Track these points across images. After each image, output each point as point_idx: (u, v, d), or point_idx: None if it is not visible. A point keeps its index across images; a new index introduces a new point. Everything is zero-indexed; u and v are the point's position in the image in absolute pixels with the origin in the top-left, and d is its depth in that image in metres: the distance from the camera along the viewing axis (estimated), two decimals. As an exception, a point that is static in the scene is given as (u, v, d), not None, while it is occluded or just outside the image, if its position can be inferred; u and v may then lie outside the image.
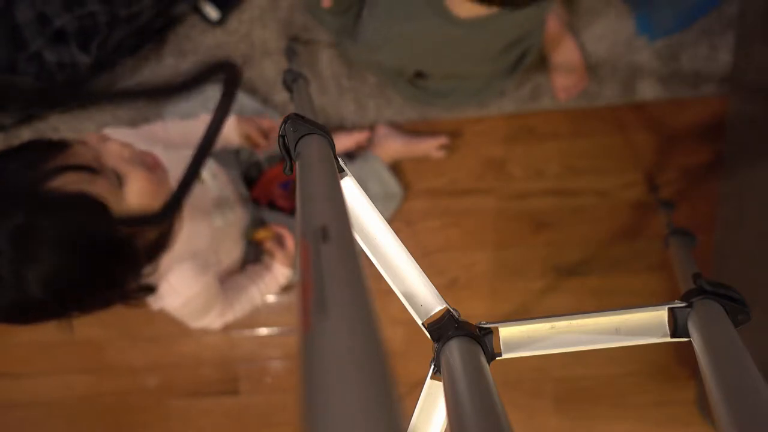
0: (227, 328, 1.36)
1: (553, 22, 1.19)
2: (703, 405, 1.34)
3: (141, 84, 1.22)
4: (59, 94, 1.07)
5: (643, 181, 1.32)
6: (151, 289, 0.83)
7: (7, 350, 1.43)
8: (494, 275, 1.37)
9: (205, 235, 0.93)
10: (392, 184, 1.26)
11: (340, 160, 0.39)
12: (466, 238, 1.36)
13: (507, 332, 0.41)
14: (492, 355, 0.40)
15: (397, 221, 1.33)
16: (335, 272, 0.22)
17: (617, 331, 0.40)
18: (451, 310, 0.40)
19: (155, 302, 0.90)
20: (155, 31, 1.21)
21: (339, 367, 0.17)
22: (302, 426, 0.16)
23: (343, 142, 1.23)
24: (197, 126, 1.04)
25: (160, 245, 0.78)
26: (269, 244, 1.08)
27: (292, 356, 1.41)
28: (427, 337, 0.40)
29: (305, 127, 0.40)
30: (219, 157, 1.11)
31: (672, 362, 1.40)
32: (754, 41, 1.18)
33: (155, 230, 0.76)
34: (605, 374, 1.41)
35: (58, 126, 1.29)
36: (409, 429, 0.39)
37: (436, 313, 0.40)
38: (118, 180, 0.70)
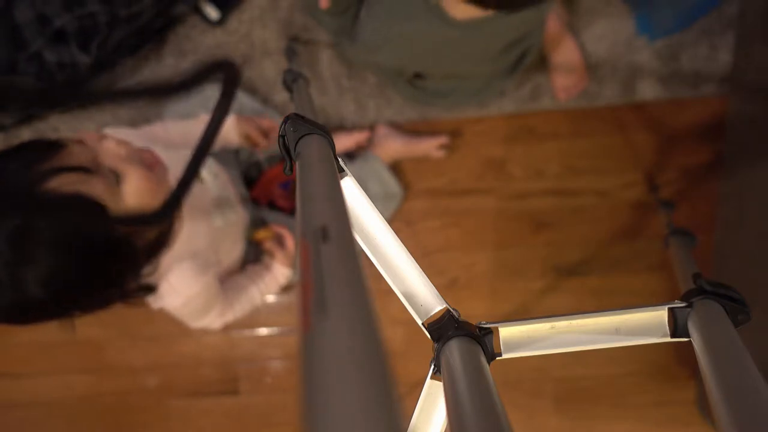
0: (227, 328, 1.37)
1: (553, 22, 1.19)
2: (703, 405, 1.34)
3: (141, 83, 1.22)
4: (59, 94, 1.07)
5: (643, 181, 1.32)
6: (151, 289, 0.83)
7: (7, 350, 1.43)
8: (494, 275, 1.37)
9: (205, 234, 0.93)
10: (392, 184, 1.26)
11: (340, 160, 0.39)
12: (466, 238, 1.36)
13: (507, 332, 0.41)
14: (492, 355, 0.40)
15: (397, 221, 1.33)
16: (335, 272, 0.22)
17: (617, 331, 0.40)
18: (451, 310, 0.40)
19: (155, 302, 0.90)
20: (155, 31, 1.21)
21: (339, 367, 0.17)
22: (302, 426, 0.16)
23: (343, 142, 1.23)
24: (197, 126, 1.04)
25: (159, 244, 0.78)
26: (269, 244, 1.08)
27: (292, 356, 1.41)
28: (427, 337, 0.40)
29: (305, 127, 0.40)
30: (219, 157, 1.11)
31: (672, 362, 1.40)
32: (754, 41, 1.18)
33: (155, 229, 0.76)
34: (605, 374, 1.41)
35: (58, 126, 1.29)
36: (409, 429, 0.39)
37: (436, 313, 0.40)
38: (116, 179, 0.70)
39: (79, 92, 1.08)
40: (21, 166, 0.63)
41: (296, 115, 0.40)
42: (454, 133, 1.30)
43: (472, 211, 1.35)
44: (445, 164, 1.32)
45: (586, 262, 1.36)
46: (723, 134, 1.29)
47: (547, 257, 1.36)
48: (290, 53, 1.13)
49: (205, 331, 1.38)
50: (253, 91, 1.27)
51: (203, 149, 0.58)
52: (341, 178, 0.40)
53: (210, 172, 1.01)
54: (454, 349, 0.37)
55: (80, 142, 0.70)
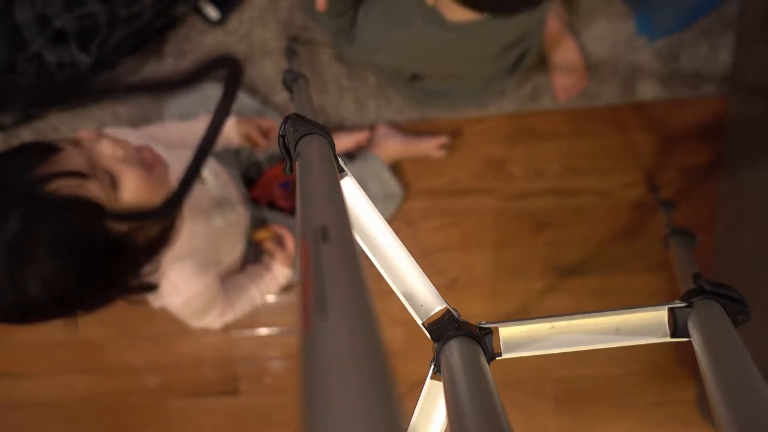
0: (227, 328, 1.37)
1: (553, 22, 1.19)
2: (703, 405, 1.34)
3: (142, 80, 1.22)
4: (59, 92, 1.07)
5: (643, 181, 1.32)
6: (152, 287, 0.82)
7: (7, 350, 1.43)
8: (494, 275, 1.37)
9: (205, 234, 0.93)
10: (392, 184, 1.26)
11: (340, 160, 0.39)
12: (466, 238, 1.36)
13: (507, 332, 0.41)
14: (492, 355, 0.40)
15: (397, 221, 1.33)
16: (335, 272, 0.22)
17: (617, 331, 0.40)
18: (451, 310, 0.40)
19: (156, 300, 0.90)
20: (155, 31, 1.21)
21: (339, 367, 0.17)
22: (302, 426, 0.16)
23: (343, 142, 1.23)
24: (197, 127, 1.04)
25: (160, 243, 0.77)
26: (269, 244, 1.08)
27: (292, 356, 1.41)
28: (427, 337, 0.40)
29: (305, 127, 0.40)
30: (220, 157, 1.11)
31: (672, 362, 1.40)
32: (754, 41, 1.18)
33: (155, 228, 0.76)
34: (605, 374, 1.41)
35: (58, 125, 1.29)
36: (409, 429, 0.39)
37: (436, 313, 0.40)
38: (112, 181, 0.69)
39: (79, 90, 1.08)
40: (18, 168, 0.63)
41: (296, 115, 0.40)
42: (454, 133, 1.30)
43: (472, 211, 1.35)
44: (445, 164, 1.32)
45: (586, 262, 1.36)
46: (723, 134, 1.29)
47: (547, 257, 1.36)
48: (290, 53, 1.13)
49: (205, 331, 1.38)
50: (253, 91, 1.27)
51: (205, 148, 0.58)
52: (341, 178, 0.40)
53: (211, 172, 1.01)
54: (454, 349, 0.37)
55: (77, 143, 0.70)
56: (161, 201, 0.65)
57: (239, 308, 1.04)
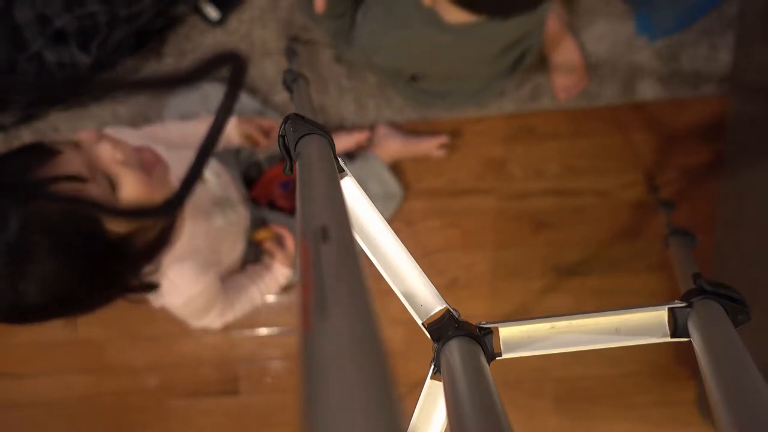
0: (227, 328, 1.37)
1: (553, 22, 1.19)
2: (703, 405, 1.34)
3: (144, 77, 1.22)
4: (60, 92, 1.07)
5: (643, 181, 1.32)
6: (152, 287, 0.82)
7: (7, 350, 1.43)
8: (494, 275, 1.37)
9: (205, 234, 0.93)
10: (392, 184, 1.26)
11: (340, 160, 0.39)
12: (466, 238, 1.36)
13: (507, 332, 0.41)
14: (492, 355, 0.40)
15: (397, 221, 1.33)
16: (335, 272, 0.22)
17: (617, 331, 0.40)
18: (451, 310, 0.40)
19: (156, 300, 0.90)
20: (155, 31, 1.21)
21: (339, 367, 0.17)
22: (302, 426, 0.16)
23: (343, 142, 1.23)
24: (197, 127, 1.05)
25: (161, 244, 0.77)
26: (269, 245, 1.08)
27: (292, 356, 1.41)
28: (427, 337, 0.40)
29: (305, 127, 0.40)
30: (220, 157, 1.11)
31: (672, 362, 1.40)
32: (754, 41, 1.18)
33: (155, 229, 0.76)
34: (605, 374, 1.41)
35: (58, 125, 1.29)
36: (409, 429, 0.39)
37: (436, 313, 0.40)
38: (111, 185, 0.69)
39: (79, 90, 1.07)
40: (18, 170, 0.63)
41: (296, 115, 0.40)
42: (454, 133, 1.30)
43: (472, 211, 1.35)
44: (445, 164, 1.32)
45: (586, 262, 1.36)
46: (723, 134, 1.29)
47: (547, 257, 1.36)
48: (290, 53, 1.13)
49: (205, 331, 1.38)
50: (253, 91, 1.27)
51: (207, 148, 0.57)
52: (341, 178, 0.40)
53: (212, 172, 1.01)
54: (454, 349, 0.37)
55: (77, 145, 0.69)
56: (162, 201, 0.65)
57: (239, 308, 1.04)
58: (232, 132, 1.06)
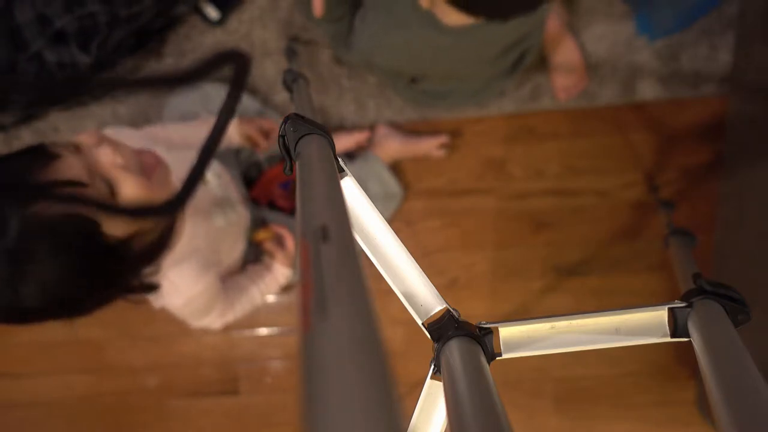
0: (227, 328, 1.36)
1: (553, 22, 1.19)
2: (703, 405, 1.34)
3: (145, 76, 1.21)
4: (60, 92, 1.07)
5: (643, 181, 1.32)
6: (152, 288, 0.82)
7: (7, 350, 1.43)
8: (494, 275, 1.37)
9: (206, 234, 0.93)
10: (392, 184, 1.26)
11: (340, 160, 0.39)
12: (466, 238, 1.36)
13: (507, 332, 0.41)
14: (492, 355, 0.40)
15: (397, 221, 1.33)
16: (335, 272, 0.22)
17: (617, 331, 0.40)
18: (451, 310, 0.40)
19: (156, 300, 0.90)
20: (155, 31, 1.21)
21: (339, 367, 0.17)
22: (302, 426, 0.16)
23: (343, 142, 1.23)
24: (197, 127, 1.05)
25: (161, 245, 0.77)
26: (269, 245, 1.08)
27: (292, 356, 1.41)
28: (427, 337, 0.40)
29: (305, 127, 0.40)
30: (221, 157, 1.11)
31: (672, 362, 1.40)
32: (754, 41, 1.18)
33: (156, 231, 0.76)
34: (605, 374, 1.41)
35: (58, 125, 1.29)
36: (409, 429, 0.39)
37: (436, 313, 0.40)
38: (110, 189, 0.69)
39: (79, 90, 1.07)
40: (18, 173, 0.63)
41: (296, 115, 0.40)
42: (454, 133, 1.30)
43: (472, 211, 1.35)
44: (445, 164, 1.32)
45: (586, 262, 1.36)
46: (723, 134, 1.29)
47: (547, 257, 1.36)
48: (290, 53, 1.13)
49: (205, 331, 1.38)
50: (253, 91, 1.27)
51: (210, 149, 0.57)
52: (341, 178, 0.40)
53: (213, 173, 1.01)
54: (454, 349, 0.37)
55: (77, 148, 0.69)
56: (163, 201, 0.65)
57: (239, 308, 1.04)
58: (233, 133, 1.06)
